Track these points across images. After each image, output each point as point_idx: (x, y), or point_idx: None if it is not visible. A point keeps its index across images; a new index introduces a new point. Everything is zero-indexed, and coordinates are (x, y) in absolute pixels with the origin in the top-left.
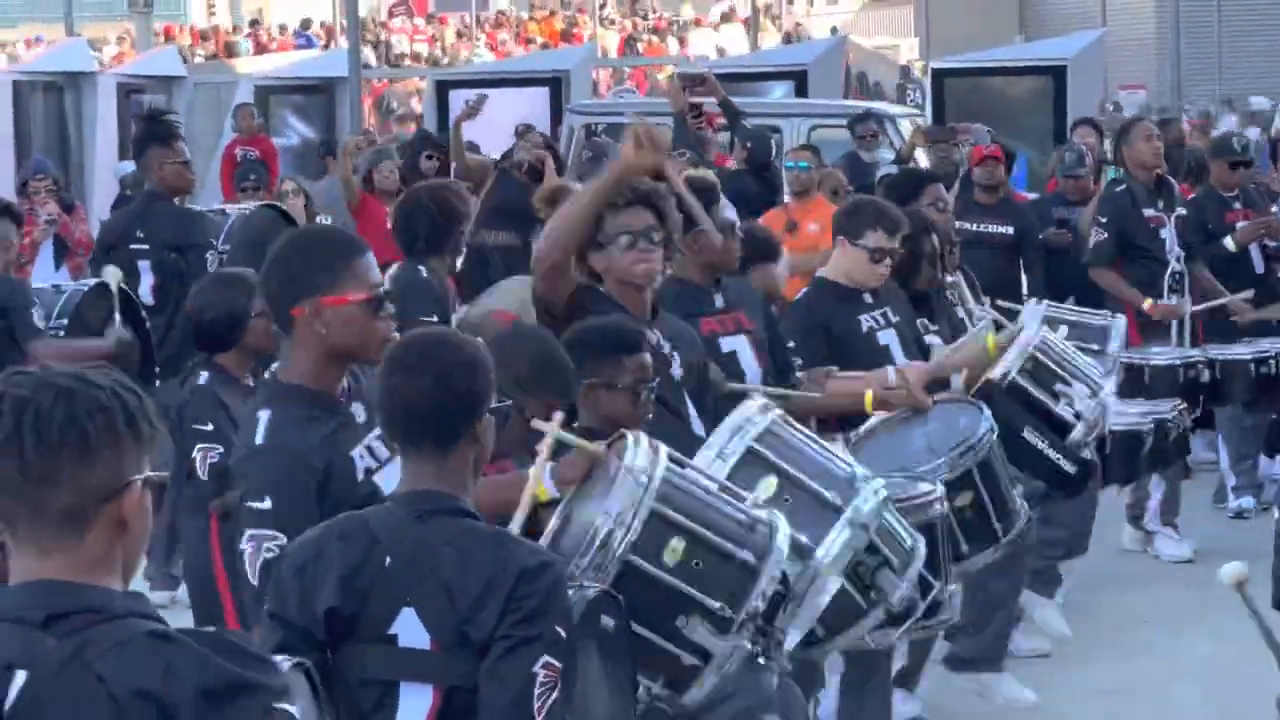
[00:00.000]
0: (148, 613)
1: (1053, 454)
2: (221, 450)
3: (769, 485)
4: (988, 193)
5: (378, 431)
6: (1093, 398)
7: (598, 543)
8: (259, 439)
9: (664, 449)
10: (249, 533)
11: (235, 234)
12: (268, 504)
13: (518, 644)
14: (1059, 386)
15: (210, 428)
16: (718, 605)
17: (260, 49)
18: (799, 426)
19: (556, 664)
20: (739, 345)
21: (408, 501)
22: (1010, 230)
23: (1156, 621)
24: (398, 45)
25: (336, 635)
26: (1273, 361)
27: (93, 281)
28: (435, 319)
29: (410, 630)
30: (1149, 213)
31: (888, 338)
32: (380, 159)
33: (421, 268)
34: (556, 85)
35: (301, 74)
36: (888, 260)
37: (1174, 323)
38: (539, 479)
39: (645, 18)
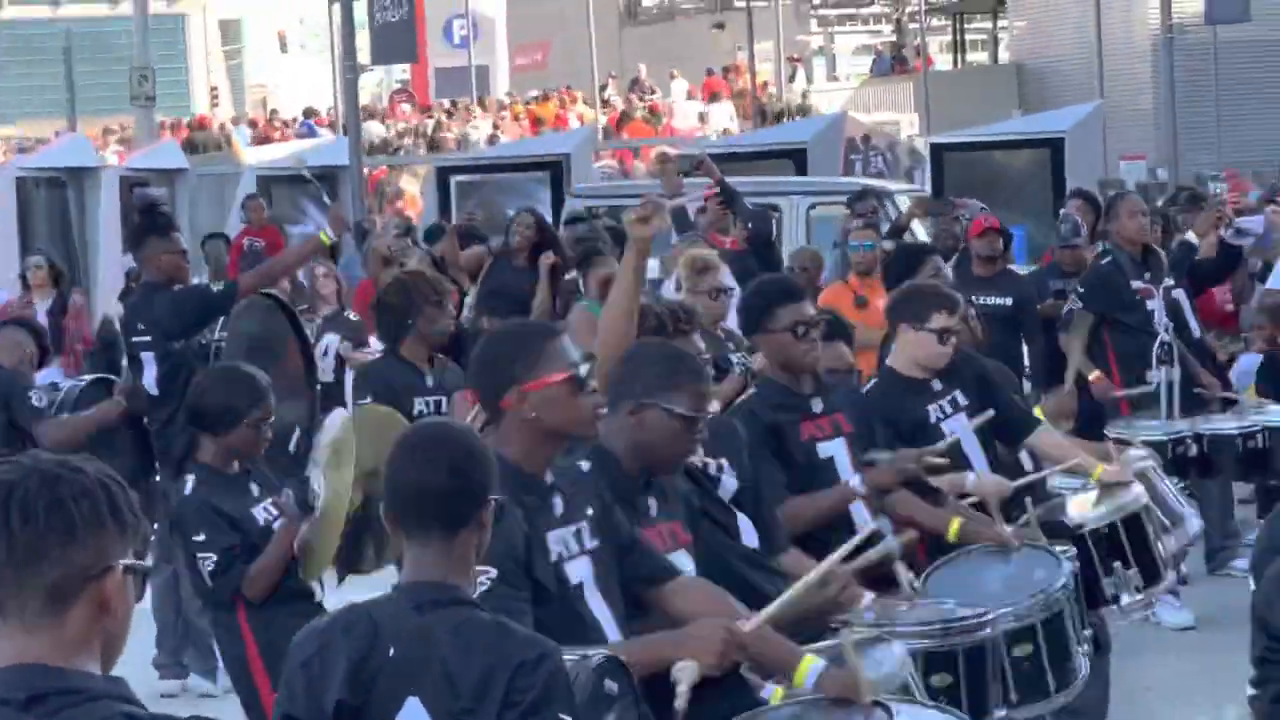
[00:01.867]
0: (125, 695)
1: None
2: (215, 557)
3: None
4: (986, 265)
5: (575, 527)
6: (1141, 592)
7: None
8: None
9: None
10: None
11: (231, 321)
12: (494, 574)
13: None
14: (1117, 565)
15: (202, 537)
16: None
17: (264, 139)
18: None
19: None
20: (836, 450)
21: (410, 592)
22: (1009, 302)
23: (1161, 690)
24: (394, 130)
25: None
26: (1259, 435)
27: (90, 377)
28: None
29: (414, 719)
30: (1137, 285)
31: (955, 425)
32: (407, 254)
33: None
34: (558, 169)
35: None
36: (953, 339)
37: (1163, 396)
38: (808, 670)
39: (642, 97)
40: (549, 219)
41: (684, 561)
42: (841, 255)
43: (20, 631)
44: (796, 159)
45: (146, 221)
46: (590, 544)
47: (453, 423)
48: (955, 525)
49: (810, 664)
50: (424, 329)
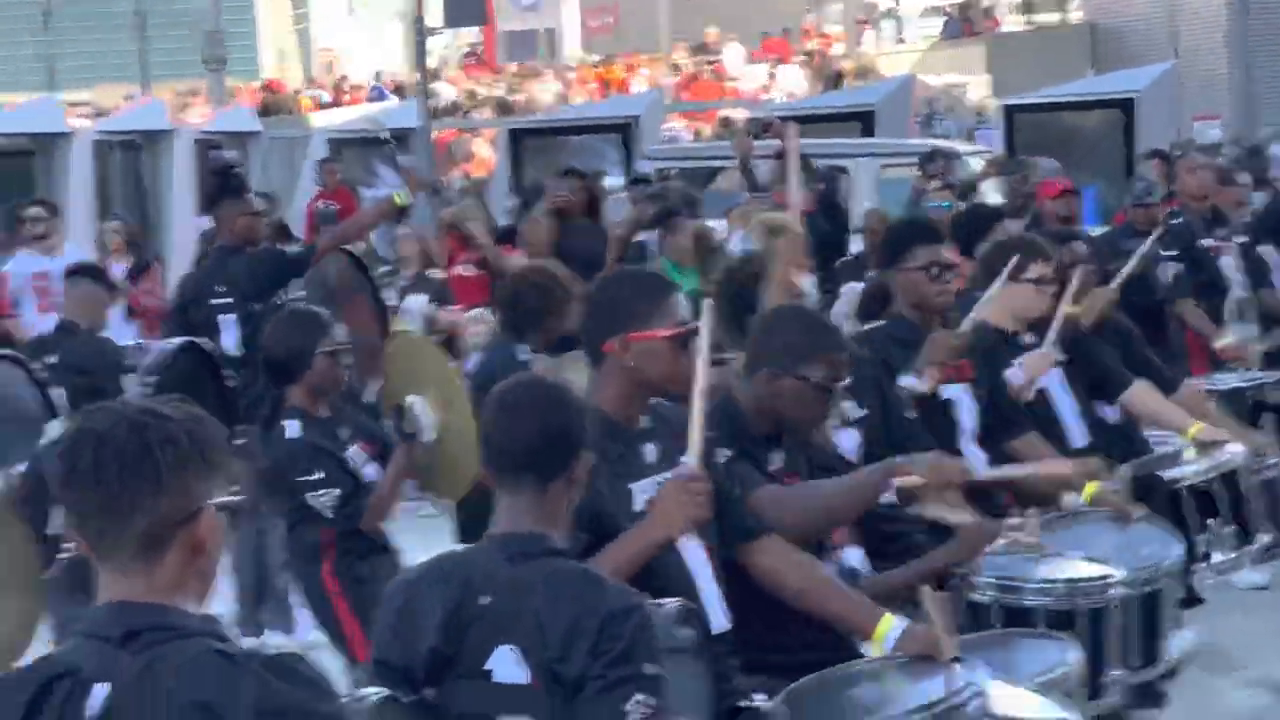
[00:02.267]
0: (218, 633)
1: None
2: (337, 491)
3: None
4: (1060, 224)
5: (666, 475)
6: (1236, 551)
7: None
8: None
9: (990, 685)
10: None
11: (308, 277)
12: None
13: (609, 685)
14: (1213, 522)
15: (320, 475)
16: None
17: (334, 102)
18: None
19: (650, 701)
20: (958, 395)
21: (503, 543)
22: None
23: (1229, 647)
24: (468, 93)
25: (437, 673)
26: None
27: (179, 340)
28: None
29: (505, 666)
30: (1207, 242)
31: (1047, 380)
32: (472, 214)
33: (518, 346)
34: (627, 131)
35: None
36: (1050, 289)
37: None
38: (887, 632)
39: (710, 61)
40: (621, 180)
41: None
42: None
43: (118, 575)
44: (865, 121)
45: (221, 184)
46: None
47: (548, 378)
48: (1089, 490)
49: (890, 624)
50: (552, 328)
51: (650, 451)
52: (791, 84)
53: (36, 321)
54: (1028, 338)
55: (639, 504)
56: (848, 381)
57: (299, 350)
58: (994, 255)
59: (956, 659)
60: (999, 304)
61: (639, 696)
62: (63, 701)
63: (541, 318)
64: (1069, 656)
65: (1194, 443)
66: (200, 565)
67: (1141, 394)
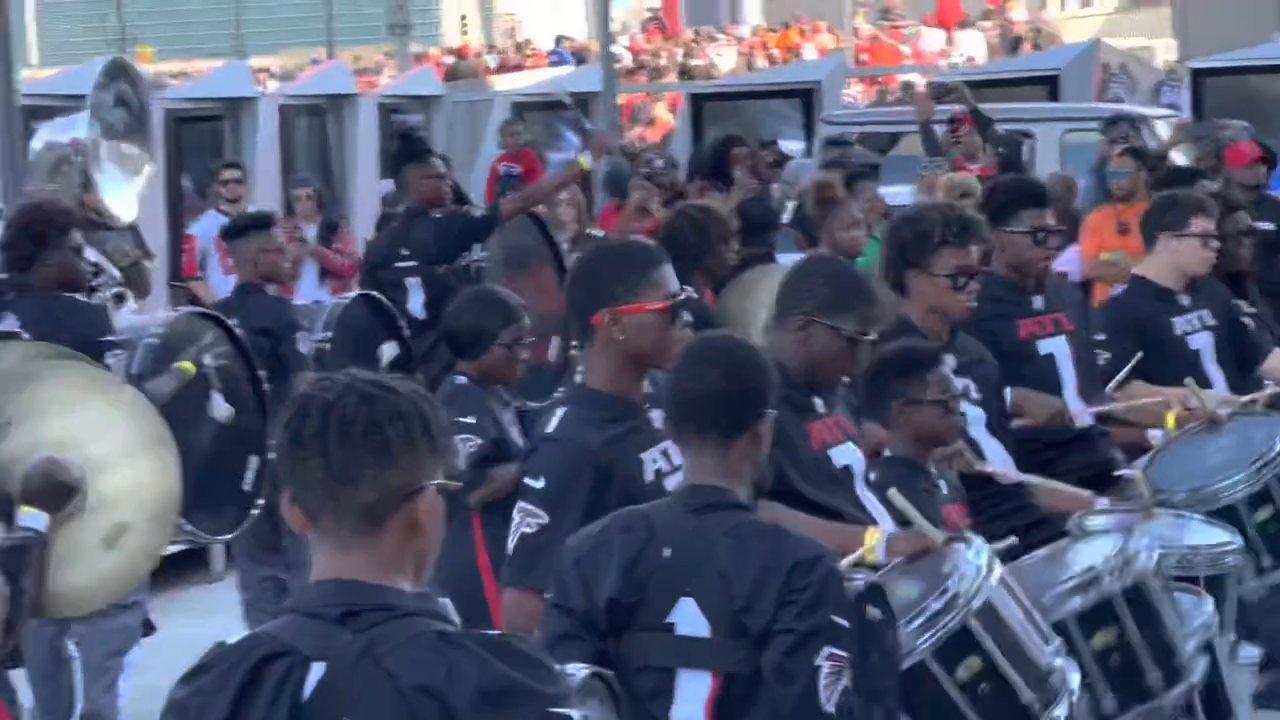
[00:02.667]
0: (437, 612)
1: None
2: (480, 441)
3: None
4: (1248, 192)
5: (666, 444)
6: None
7: (910, 626)
8: (550, 429)
9: (999, 568)
10: (520, 504)
11: (493, 243)
12: (541, 483)
13: (799, 639)
14: None
15: (473, 420)
16: None
17: (516, 66)
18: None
19: (841, 654)
20: (1057, 348)
21: (686, 496)
22: (1272, 226)
23: None
24: (650, 60)
25: (617, 624)
26: None
27: (352, 294)
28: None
29: (688, 619)
30: None
31: (1200, 342)
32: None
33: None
34: (808, 96)
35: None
36: (1214, 243)
37: None
38: (875, 543)
39: (896, 26)
40: (803, 145)
41: (852, 452)
42: (1097, 181)
43: (336, 549)
44: (1050, 86)
45: (405, 147)
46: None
47: (734, 335)
48: (1170, 418)
49: (875, 536)
50: (711, 263)
51: (657, 417)
52: (972, 49)
53: (220, 283)
54: (1184, 299)
55: (649, 474)
56: (874, 336)
57: (479, 333)
58: (1156, 209)
59: (953, 538)
60: (1161, 258)
61: (829, 649)
62: (280, 680)
63: (701, 253)
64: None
65: None
66: (417, 546)
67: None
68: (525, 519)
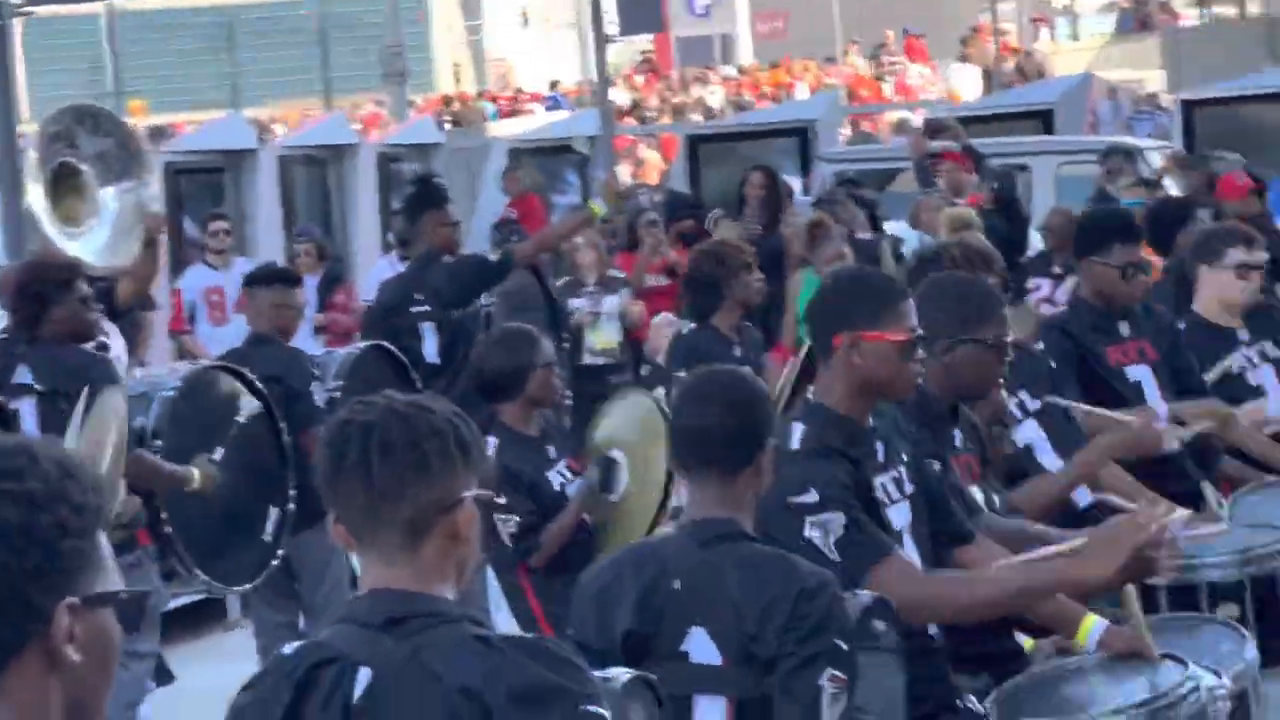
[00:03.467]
0: (476, 618)
1: None
2: (518, 519)
3: None
4: (1245, 223)
5: (894, 473)
6: None
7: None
8: (794, 445)
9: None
10: (808, 520)
11: (498, 290)
12: (813, 495)
13: (804, 661)
14: None
15: (503, 501)
16: None
17: (510, 113)
18: None
19: (841, 675)
20: (1144, 376)
21: (693, 529)
22: (1266, 257)
23: None
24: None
25: (633, 655)
26: None
27: (364, 344)
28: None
29: (701, 647)
30: None
31: (1262, 377)
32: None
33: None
34: (803, 135)
35: (553, 135)
36: (1254, 275)
37: None
38: (1090, 629)
39: (892, 65)
40: (799, 185)
41: (979, 494)
42: None
43: (380, 562)
44: (1044, 119)
45: (422, 193)
46: (909, 489)
47: (736, 370)
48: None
49: (1094, 621)
50: (739, 294)
51: (880, 450)
52: (965, 84)
53: (209, 334)
54: (1243, 334)
55: (879, 500)
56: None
57: (516, 367)
58: (1192, 245)
59: (1168, 655)
60: (1204, 295)
61: (831, 670)
62: (331, 686)
63: (720, 288)
64: (1247, 653)
65: None
66: (458, 554)
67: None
68: (829, 528)
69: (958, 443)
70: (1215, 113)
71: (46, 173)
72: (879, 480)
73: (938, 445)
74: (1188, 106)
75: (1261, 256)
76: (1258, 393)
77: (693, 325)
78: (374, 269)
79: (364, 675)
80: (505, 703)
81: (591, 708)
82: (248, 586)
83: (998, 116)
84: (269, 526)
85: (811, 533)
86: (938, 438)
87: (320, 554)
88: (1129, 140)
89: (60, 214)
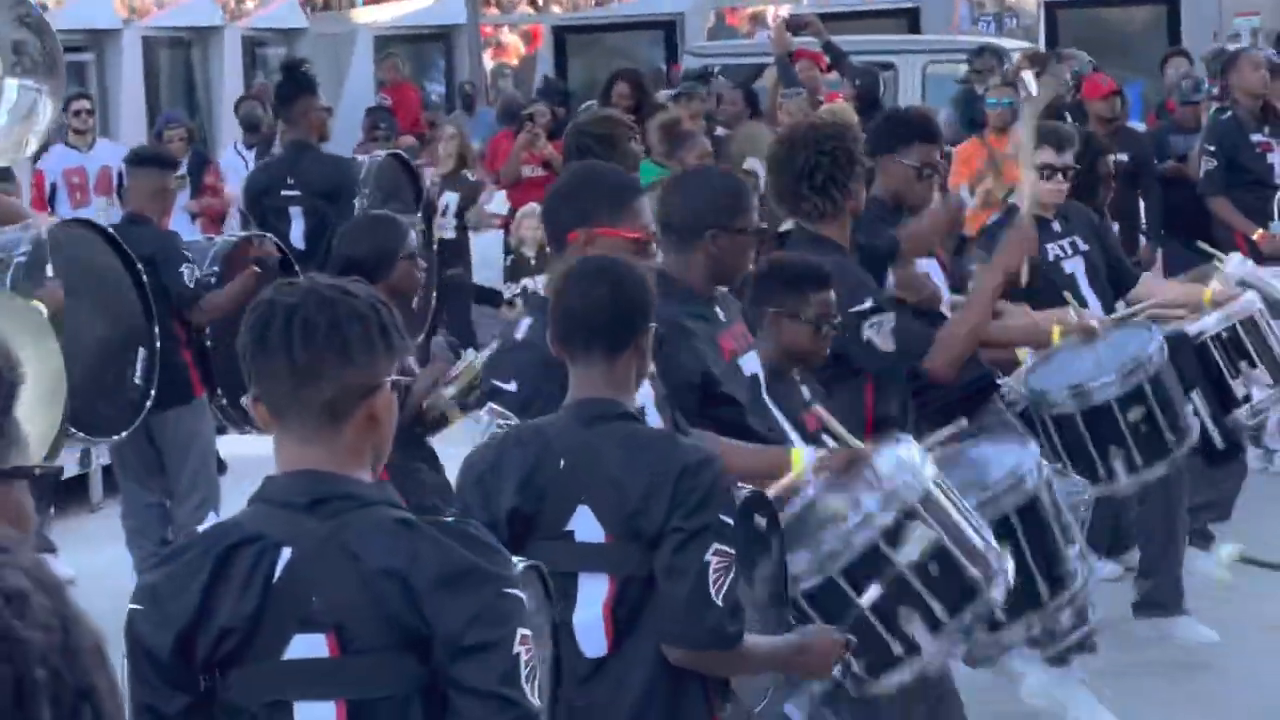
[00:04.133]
0: (395, 502)
1: (1209, 424)
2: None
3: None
4: (1104, 124)
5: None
6: (1273, 388)
7: (849, 525)
8: (519, 336)
9: (931, 460)
10: (489, 405)
11: (369, 181)
12: (512, 386)
13: (688, 537)
14: (1244, 365)
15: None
16: (938, 609)
17: None
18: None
19: (728, 549)
20: (1077, 268)
21: (577, 409)
22: (1126, 158)
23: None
24: None
25: (518, 534)
26: None
27: (242, 233)
28: None
29: (586, 526)
30: (1256, 139)
31: (1073, 266)
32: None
33: None
34: (671, 28)
35: (419, 22)
36: (1059, 177)
37: None
38: (803, 463)
39: None
40: (664, 77)
41: (755, 361)
42: (961, 112)
43: (299, 442)
44: (910, 18)
45: (295, 79)
46: None
47: (614, 256)
48: (1056, 331)
49: (800, 453)
50: (630, 167)
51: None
52: None
53: (69, 215)
54: (1056, 225)
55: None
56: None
57: (381, 253)
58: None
59: (879, 443)
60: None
61: (717, 545)
62: (250, 565)
63: (609, 157)
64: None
65: (1210, 304)
66: (375, 439)
67: (1150, 284)
68: (494, 420)
69: (723, 317)
70: (1077, 14)
71: None
72: None
73: (707, 327)
74: (1050, 8)
75: (1068, 159)
76: (1072, 281)
77: None
78: (221, 158)
79: (285, 554)
80: (429, 585)
81: (512, 590)
82: (124, 434)
83: (864, 14)
84: (138, 369)
85: (484, 414)
86: (705, 320)
87: (186, 433)
88: (997, 41)
89: None
